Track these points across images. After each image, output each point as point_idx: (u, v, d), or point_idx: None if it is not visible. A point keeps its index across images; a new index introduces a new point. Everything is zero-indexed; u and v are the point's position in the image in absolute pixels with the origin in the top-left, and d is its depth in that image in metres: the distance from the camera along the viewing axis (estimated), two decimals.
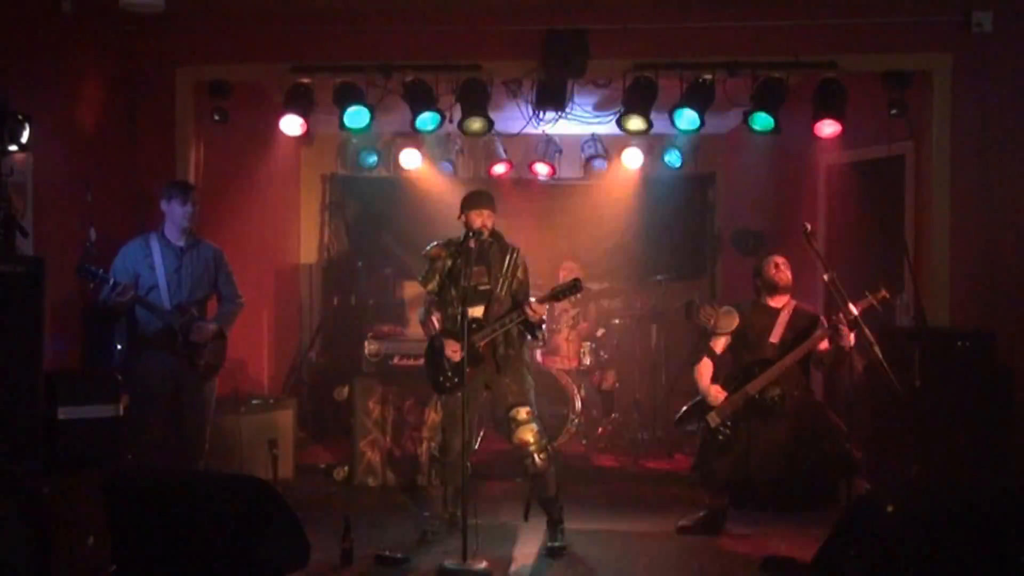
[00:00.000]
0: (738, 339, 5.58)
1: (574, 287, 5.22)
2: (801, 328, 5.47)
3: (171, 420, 5.61)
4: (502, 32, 6.65)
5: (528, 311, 5.17)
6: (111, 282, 5.29)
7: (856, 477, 5.04)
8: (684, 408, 5.70)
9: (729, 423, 5.43)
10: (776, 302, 5.58)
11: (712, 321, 5.61)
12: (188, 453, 5.65)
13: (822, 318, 5.49)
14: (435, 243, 5.49)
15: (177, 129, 6.88)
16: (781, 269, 5.55)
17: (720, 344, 5.61)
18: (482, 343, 5.21)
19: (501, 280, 5.33)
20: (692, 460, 5.79)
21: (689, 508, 5.88)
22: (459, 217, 5.38)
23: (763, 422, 5.36)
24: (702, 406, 5.55)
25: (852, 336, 5.14)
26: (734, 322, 5.56)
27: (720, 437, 5.45)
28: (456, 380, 5.25)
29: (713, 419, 5.47)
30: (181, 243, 5.67)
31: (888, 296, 5.24)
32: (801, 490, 5.36)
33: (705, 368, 5.59)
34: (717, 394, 5.48)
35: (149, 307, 5.50)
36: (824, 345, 5.34)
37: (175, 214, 5.62)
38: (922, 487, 5.44)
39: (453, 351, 5.24)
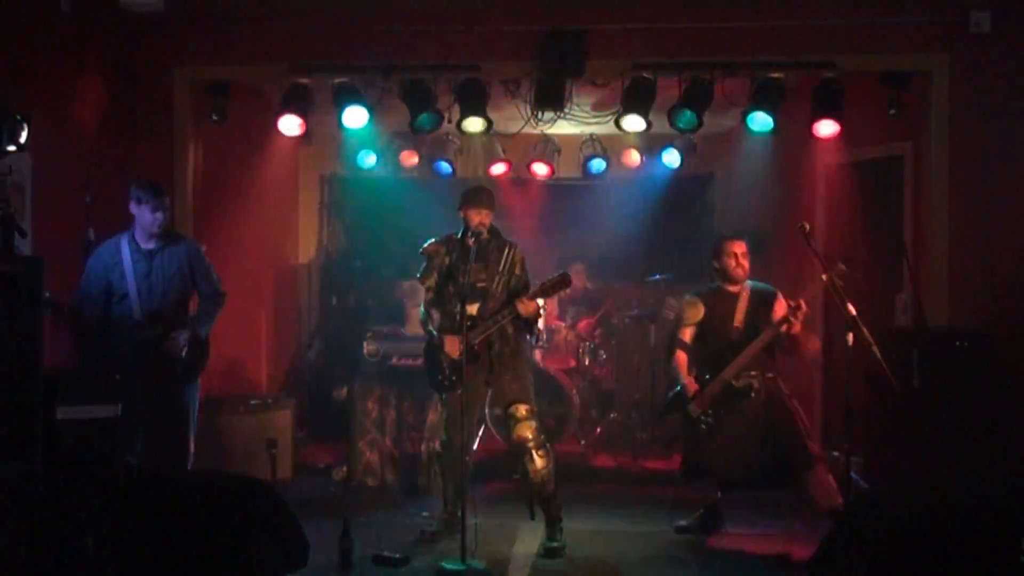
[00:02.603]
0: (703, 327, 5.61)
1: (563, 281, 5.21)
2: (760, 304, 5.54)
3: (155, 427, 5.47)
4: (501, 32, 6.65)
5: (520, 307, 5.16)
6: (66, 308, 5.14)
7: (810, 473, 5.22)
8: (666, 401, 5.76)
9: (711, 411, 5.42)
10: (734, 289, 5.61)
11: (676, 313, 5.70)
12: (174, 459, 5.53)
13: (779, 294, 5.55)
14: (432, 239, 5.50)
15: (176, 129, 6.87)
16: (740, 261, 5.56)
17: (688, 334, 5.62)
18: (478, 341, 5.21)
19: (498, 277, 5.33)
20: (681, 458, 5.77)
21: (687, 508, 5.88)
22: (459, 211, 5.39)
23: (740, 409, 5.40)
24: (682, 396, 5.53)
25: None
26: (699, 313, 5.59)
27: (703, 426, 5.44)
28: (455, 378, 5.26)
29: (694, 409, 5.45)
30: (151, 246, 5.46)
31: (845, 268, 5.19)
32: (768, 474, 5.39)
33: (680, 359, 5.59)
34: (690, 385, 5.48)
35: (115, 323, 5.35)
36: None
37: (144, 220, 5.40)
38: (921, 487, 5.44)
39: (452, 348, 5.25)
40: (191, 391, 5.63)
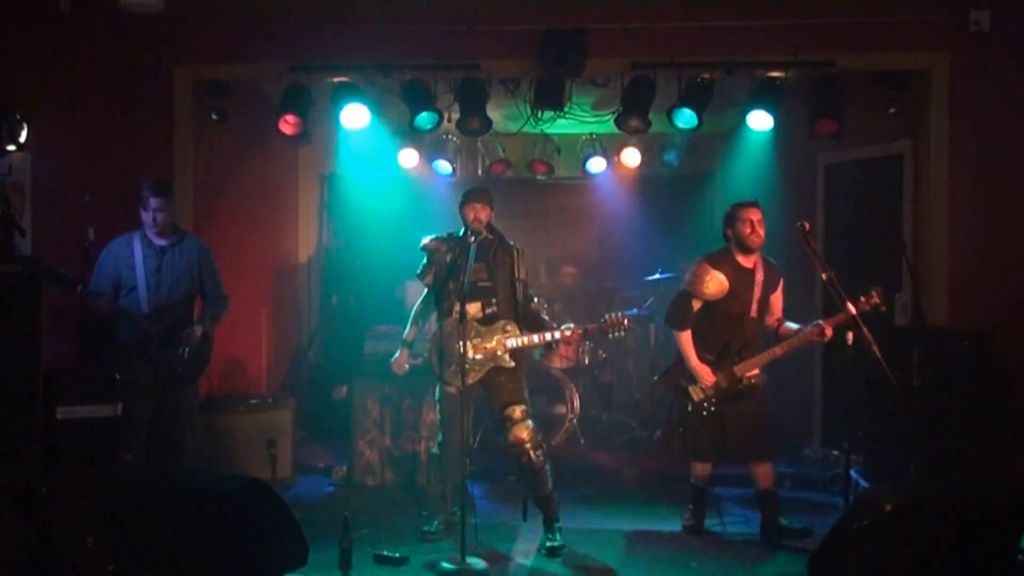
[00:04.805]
0: (715, 305, 5.39)
1: (619, 325, 5.23)
2: (770, 290, 5.45)
3: (153, 426, 5.49)
4: (500, 31, 6.65)
5: (563, 337, 5.25)
6: (78, 288, 5.13)
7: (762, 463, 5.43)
8: (668, 368, 5.65)
9: (713, 399, 5.38)
10: (747, 261, 5.42)
11: (701, 283, 5.37)
12: (171, 458, 5.55)
13: (781, 281, 5.50)
14: (432, 236, 5.48)
15: (175, 128, 6.87)
16: (756, 229, 5.33)
17: (699, 305, 5.42)
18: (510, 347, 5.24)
19: (503, 279, 5.33)
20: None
21: (685, 507, 5.87)
22: (460, 211, 5.41)
23: (737, 401, 5.38)
24: (685, 372, 5.43)
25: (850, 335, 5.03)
26: (723, 290, 5.34)
27: (704, 413, 5.39)
28: (464, 373, 5.20)
29: (697, 393, 5.40)
30: (163, 242, 5.52)
31: (880, 303, 5.08)
32: (731, 457, 5.50)
33: (687, 338, 5.42)
34: (707, 376, 5.36)
35: (124, 314, 5.38)
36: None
37: (142, 218, 5.49)
38: (921, 486, 5.44)
39: (471, 346, 5.22)
40: (191, 392, 5.68)
